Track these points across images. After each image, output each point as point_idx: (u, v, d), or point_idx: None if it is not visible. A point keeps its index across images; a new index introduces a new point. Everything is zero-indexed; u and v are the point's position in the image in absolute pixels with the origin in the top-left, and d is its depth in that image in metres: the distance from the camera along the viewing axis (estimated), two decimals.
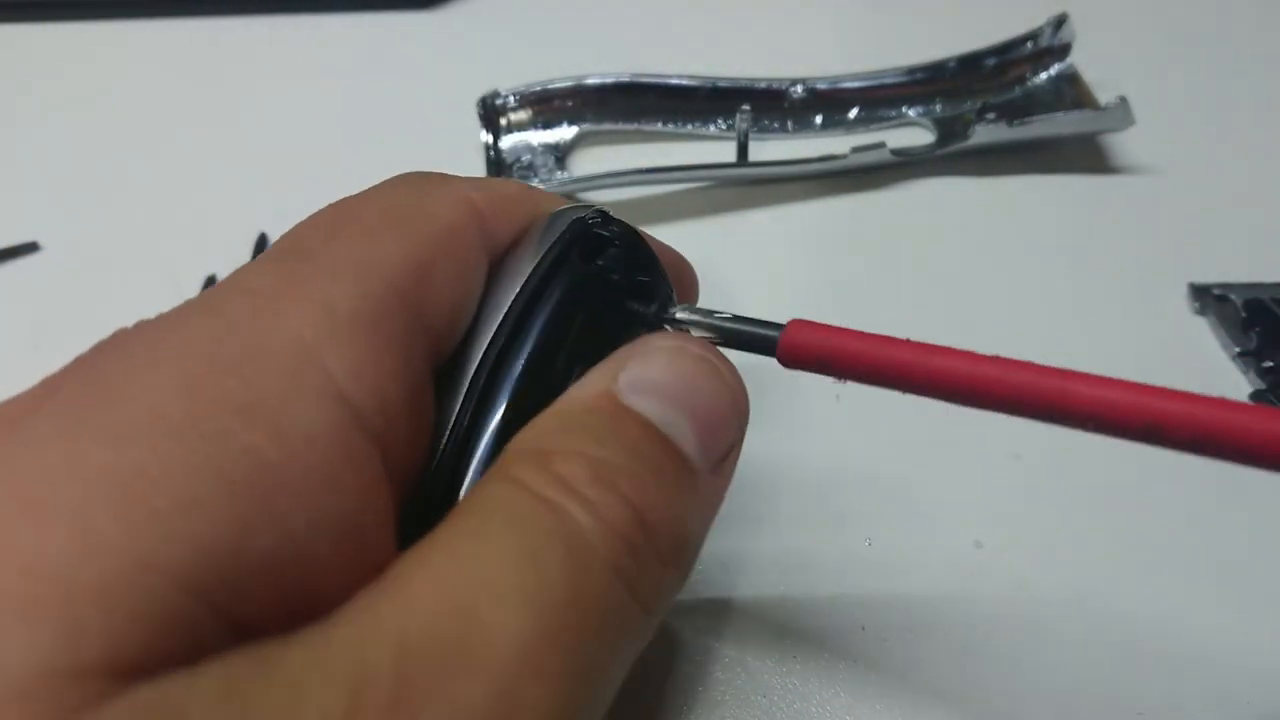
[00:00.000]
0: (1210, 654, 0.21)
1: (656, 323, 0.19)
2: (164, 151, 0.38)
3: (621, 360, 0.16)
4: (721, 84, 0.37)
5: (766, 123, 0.37)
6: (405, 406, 0.14)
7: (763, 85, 0.37)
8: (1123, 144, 0.35)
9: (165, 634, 0.11)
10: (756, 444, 0.25)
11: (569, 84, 0.37)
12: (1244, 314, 0.28)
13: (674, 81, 0.37)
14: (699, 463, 0.16)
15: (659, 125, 0.37)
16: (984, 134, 0.34)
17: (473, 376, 0.16)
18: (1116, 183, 0.34)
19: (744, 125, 0.33)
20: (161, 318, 0.14)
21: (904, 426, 0.25)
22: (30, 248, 0.34)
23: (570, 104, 0.37)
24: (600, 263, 0.18)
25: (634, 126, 0.37)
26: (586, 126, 0.37)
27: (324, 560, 0.13)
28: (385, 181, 0.18)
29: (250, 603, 0.12)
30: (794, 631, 0.21)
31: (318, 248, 0.15)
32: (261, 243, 0.33)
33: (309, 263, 0.15)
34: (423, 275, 0.15)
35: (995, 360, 0.16)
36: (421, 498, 0.16)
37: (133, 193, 0.36)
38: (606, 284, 0.18)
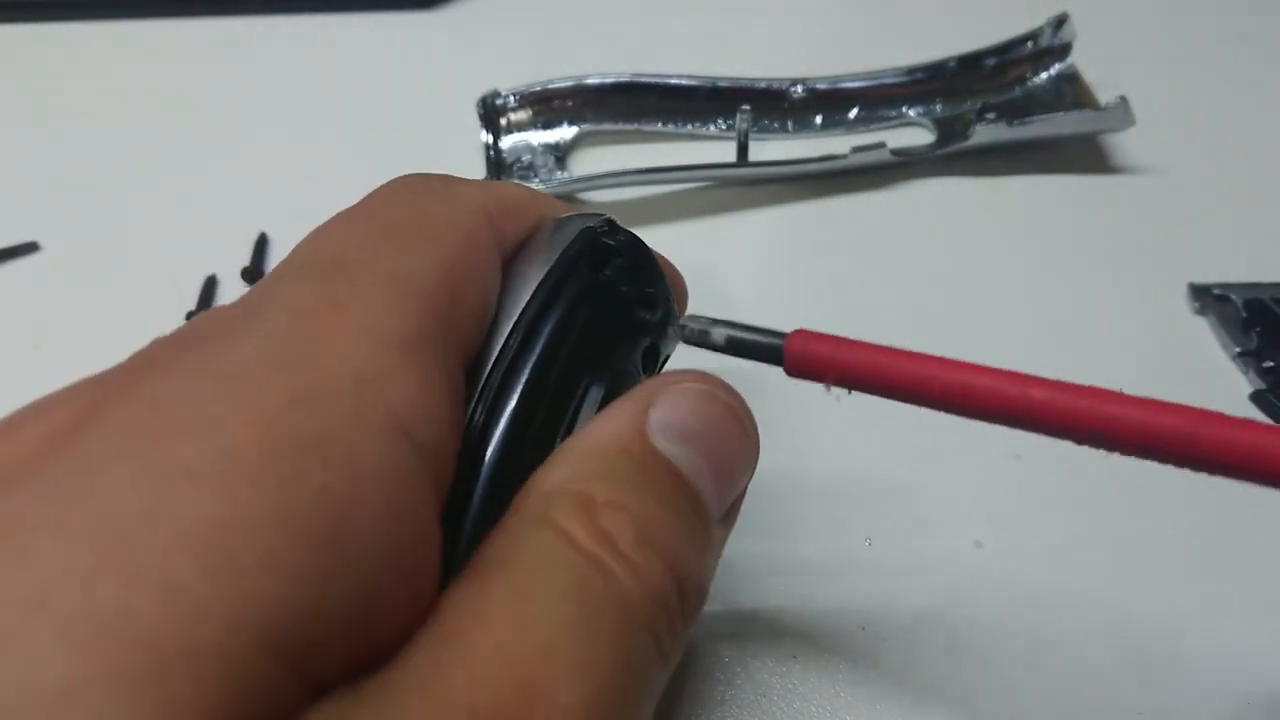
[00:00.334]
0: (1210, 654, 0.21)
1: (660, 329, 0.19)
2: (164, 151, 0.38)
3: (650, 395, 0.16)
4: (721, 84, 0.37)
5: (766, 123, 0.37)
6: (452, 429, 0.14)
7: (763, 85, 0.37)
8: (1123, 144, 0.35)
9: (250, 701, 0.10)
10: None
11: (569, 84, 0.37)
12: (1244, 314, 0.28)
13: (674, 81, 0.37)
14: (715, 512, 0.16)
15: (659, 125, 0.37)
16: (984, 134, 0.34)
17: (483, 386, 0.16)
18: (1116, 183, 0.34)
19: (744, 125, 0.33)
20: (203, 331, 0.14)
21: (904, 427, 0.25)
22: (30, 248, 0.34)
23: (570, 104, 0.37)
24: (608, 272, 0.18)
25: (634, 126, 0.37)
26: (586, 126, 0.37)
27: (389, 603, 0.12)
28: (397, 185, 0.18)
29: (325, 658, 0.11)
30: (794, 631, 0.21)
31: (354, 262, 0.15)
32: (261, 243, 0.33)
33: (348, 278, 0.14)
34: (454, 288, 0.15)
35: (1008, 375, 0.16)
36: None
37: (133, 193, 0.36)
38: (613, 293, 0.18)
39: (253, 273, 0.32)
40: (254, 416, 0.12)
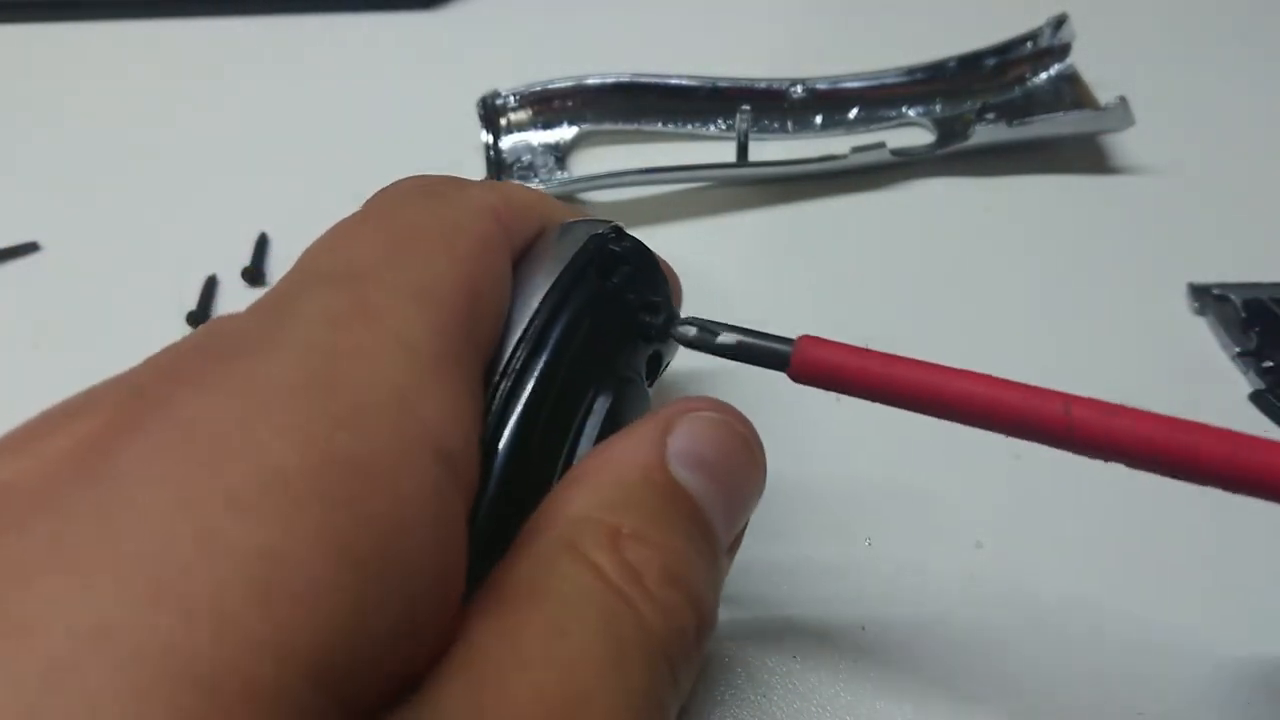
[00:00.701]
0: (1210, 654, 0.21)
1: (663, 336, 0.19)
2: (164, 151, 0.38)
3: (668, 421, 0.16)
4: (721, 84, 0.37)
5: (766, 123, 0.37)
6: (478, 444, 0.14)
7: (763, 85, 0.37)
8: (1123, 144, 0.35)
9: None
10: None
11: (569, 84, 0.37)
12: (1244, 314, 0.28)
13: (674, 81, 0.37)
14: (724, 543, 0.16)
15: (659, 125, 0.37)
16: (984, 134, 0.34)
17: (491, 395, 0.16)
18: (1116, 183, 0.34)
19: (744, 125, 0.33)
20: (230, 341, 0.13)
21: (905, 428, 0.25)
22: (30, 248, 0.34)
23: (570, 104, 0.37)
24: (615, 280, 0.18)
25: (634, 126, 0.37)
26: (586, 126, 0.37)
27: (426, 627, 0.12)
28: (405, 187, 0.17)
29: (365, 686, 0.11)
30: (794, 631, 0.21)
31: (377, 270, 0.14)
32: (261, 243, 0.33)
33: (374, 288, 0.14)
34: (475, 298, 0.15)
35: (1016, 387, 0.16)
36: None
37: (133, 193, 0.36)
38: (620, 301, 0.18)
39: (253, 273, 0.32)
40: (299, 439, 0.11)
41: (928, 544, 0.23)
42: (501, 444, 0.15)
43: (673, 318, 0.20)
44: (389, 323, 0.14)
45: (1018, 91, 0.37)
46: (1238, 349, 0.28)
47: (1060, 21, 0.37)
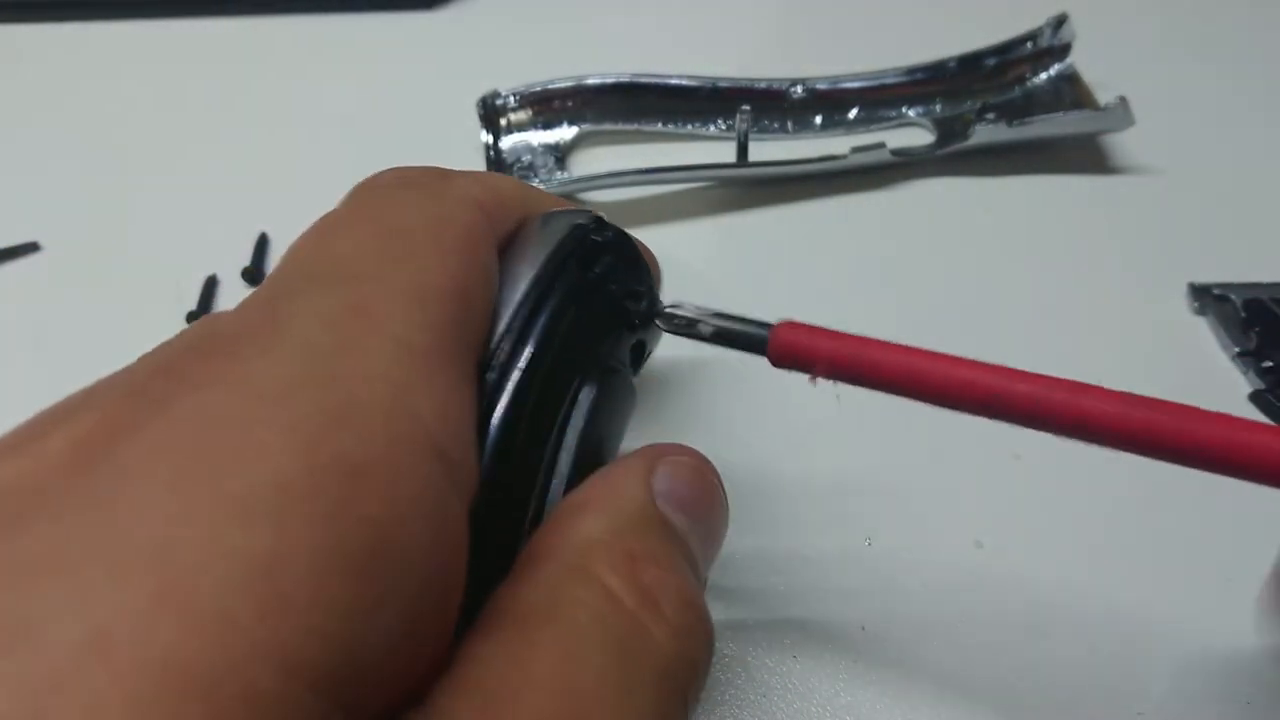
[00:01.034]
0: (1211, 654, 0.21)
1: (646, 324, 0.19)
2: (164, 151, 0.38)
3: (651, 462, 0.16)
4: (721, 84, 0.37)
5: (766, 123, 0.37)
6: (474, 443, 0.14)
7: (763, 85, 0.37)
8: (1123, 144, 0.35)
9: None
10: (756, 443, 0.26)
11: (569, 84, 0.37)
12: (1244, 314, 0.28)
13: (674, 81, 0.37)
14: (704, 579, 0.17)
15: (659, 125, 0.37)
16: (984, 134, 0.34)
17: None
18: (1116, 183, 0.34)
19: (744, 125, 0.33)
20: (224, 340, 0.13)
21: (904, 426, 0.25)
22: (30, 248, 0.34)
23: (570, 104, 0.37)
24: (597, 270, 0.18)
25: (634, 126, 0.37)
26: (586, 126, 0.37)
27: (425, 633, 0.12)
28: (389, 180, 0.17)
29: (366, 694, 0.11)
30: (794, 631, 0.21)
31: (369, 268, 0.14)
32: (261, 243, 0.33)
33: (367, 287, 0.14)
34: (467, 295, 0.15)
35: (986, 367, 0.16)
36: None
37: (133, 193, 0.36)
38: (603, 292, 0.18)
39: (253, 273, 0.32)
40: (298, 441, 0.11)
41: (928, 544, 0.23)
42: (488, 438, 0.15)
43: (654, 304, 0.20)
44: (384, 322, 0.13)
45: (1018, 91, 0.37)
46: (1238, 349, 0.28)
47: (1060, 21, 0.37)
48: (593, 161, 0.37)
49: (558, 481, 0.16)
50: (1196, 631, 0.21)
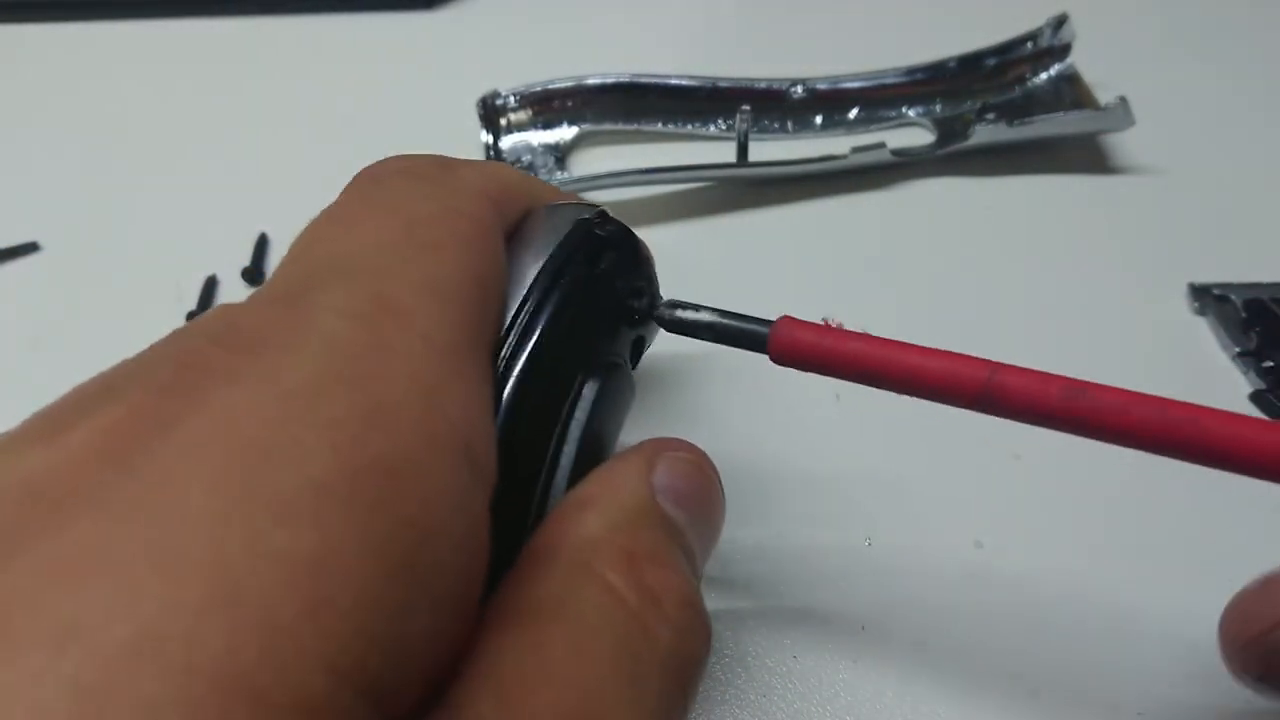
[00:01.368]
0: (1211, 654, 0.21)
1: (646, 319, 0.19)
2: (164, 151, 0.38)
3: (650, 458, 0.16)
4: (721, 84, 0.37)
5: (766, 123, 0.37)
6: (494, 437, 0.14)
7: (763, 85, 0.37)
8: (1123, 144, 0.35)
9: None
10: (756, 443, 0.26)
11: (569, 84, 0.37)
12: (1244, 314, 0.28)
13: (674, 81, 0.37)
14: (700, 574, 0.17)
15: (659, 125, 0.37)
16: (984, 134, 0.34)
17: None
18: (1116, 183, 0.34)
19: (744, 125, 0.33)
20: (250, 334, 0.13)
21: (904, 426, 0.25)
22: (30, 248, 0.34)
23: (570, 104, 0.37)
24: (602, 265, 0.18)
25: (634, 126, 0.37)
26: (586, 126, 0.37)
27: (452, 627, 0.12)
28: (397, 170, 0.17)
29: (400, 691, 0.11)
30: (794, 631, 0.21)
31: (389, 262, 0.14)
32: (261, 243, 0.33)
33: (390, 282, 0.14)
34: (484, 290, 0.15)
35: (984, 363, 0.16)
36: None
37: (133, 193, 0.36)
38: (607, 287, 0.18)
39: (253, 273, 0.32)
40: (335, 440, 0.11)
41: (928, 544, 0.23)
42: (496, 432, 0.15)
43: (655, 300, 0.20)
44: (409, 318, 0.13)
45: (1018, 91, 0.37)
46: (1238, 349, 0.28)
47: (1060, 21, 0.37)
48: (593, 161, 0.37)
49: (560, 475, 0.16)
50: (1197, 631, 0.21)
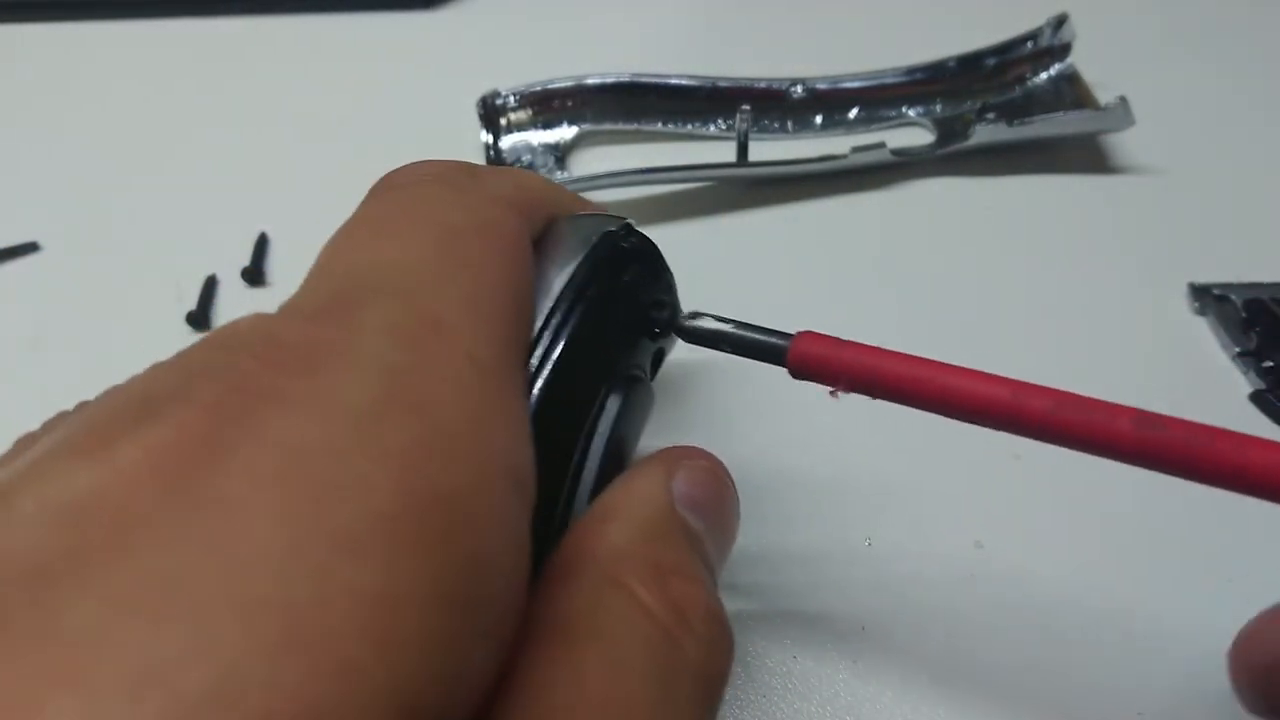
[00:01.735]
0: (1211, 654, 0.21)
1: (668, 329, 0.19)
2: (164, 151, 0.38)
3: (669, 466, 0.16)
4: (721, 84, 0.37)
5: (766, 123, 0.37)
6: (534, 459, 0.14)
7: (763, 85, 0.37)
8: (1123, 144, 0.35)
9: None
10: (756, 443, 0.26)
11: (569, 84, 0.37)
12: (1244, 314, 0.28)
13: (674, 81, 0.37)
14: (718, 581, 0.17)
15: (659, 125, 0.37)
16: (984, 134, 0.34)
17: None
18: (1116, 183, 0.34)
19: (744, 125, 0.33)
20: (293, 351, 0.12)
21: (904, 426, 0.25)
22: (30, 248, 0.34)
23: (570, 104, 0.37)
24: (627, 279, 0.18)
25: (634, 126, 0.37)
26: (586, 126, 0.37)
27: (502, 654, 0.12)
28: (424, 176, 0.17)
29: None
30: (794, 632, 0.21)
31: (430, 277, 0.14)
32: (261, 243, 0.33)
33: (433, 300, 0.14)
34: (520, 301, 0.15)
35: (1009, 383, 0.16)
36: None
37: (133, 193, 0.36)
38: (631, 301, 0.18)
39: (253, 273, 0.32)
40: (395, 470, 0.11)
41: (928, 544, 0.23)
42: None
43: (675, 312, 0.20)
44: (455, 337, 0.13)
45: (1018, 91, 0.37)
46: (1238, 349, 0.28)
47: (1060, 21, 0.37)
48: (593, 161, 0.37)
49: (584, 488, 0.16)
50: (1197, 631, 0.21)
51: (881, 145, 0.33)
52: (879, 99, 0.38)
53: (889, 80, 0.38)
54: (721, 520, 0.17)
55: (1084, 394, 0.16)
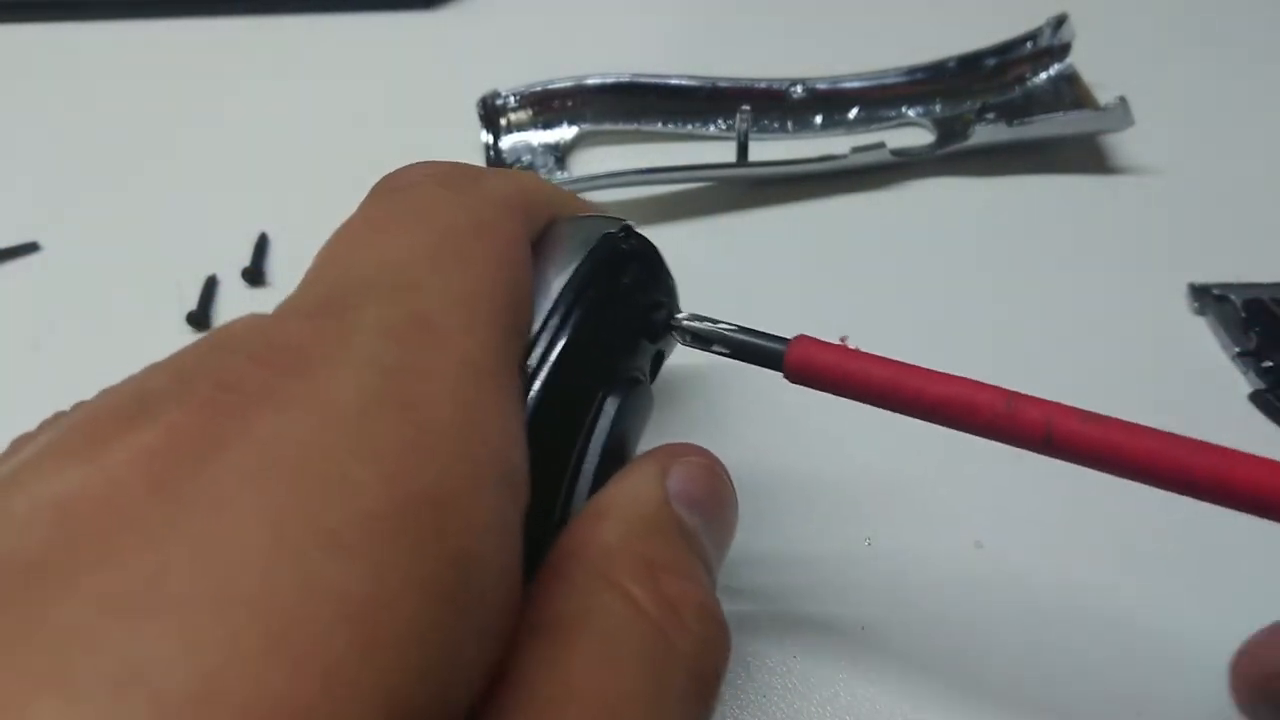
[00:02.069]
0: (1211, 654, 0.21)
1: (665, 329, 0.19)
2: (164, 151, 0.38)
3: (664, 464, 0.16)
4: (721, 84, 0.37)
5: (766, 123, 0.37)
6: (527, 459, 0.14)
7: (763, 85, 0.37)
8: (1123, 144, 0.35)
9: None
10: (757, 444, 0.26)
11: (569, 84, 0.37)
12: (1244, 314, 0.28)
13: (674, 81, 0.37)
14: (715, 578, 0.17)
15: (659, 125, 0.37)
16: (984, 134, 0.34)
17: None
18: (1116, 183, 0.34)
19: (744, 125, 0.33)
20: (284, 351, 0.12)
21: (904, 426, 0.25)
22: (30, 248, 0.34)
23: (570, 104, 0.37)
24: (626, 281, 0.18)
25: (634, 126, 0.37)
26: (586, 126, 0.37)
27: (493, 654, 0.12)
28: (424, 177, 0.17)
29: None
30: (794, 632, 0.21)
31: (429, 280, 0.14)
32: (261, 243, 0.33)
33: (428, 300, 0.14)
34: (516, 303, 0.15)
35: (1013, 396, 0.16)
36: None
37: (133, 193, 0.36)
38: (630, 303, 0.18)
39: (253, 273, 0.32)
40: (384, 471, 0.11)
41: (928, 544, 0.23)
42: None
43: (673, 314, 0.20)
44: (449, 339, 0.13)
45: (1018, 91, 0.37)
46: (1238, 349, 0.28)
47: (1060, 21, 0.37)
48: (593, 161, 0.37)
49: (581, 490, 0.16)
50: (1197, 631, 0.21)
51: (881, 145, 0.33)
52: (879, 99, 0.38)
53: (889, 80, 0.38)
54: (718, 517, 0.17)
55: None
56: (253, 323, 0.13)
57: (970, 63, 0.38)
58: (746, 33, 0.44)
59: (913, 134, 0.37)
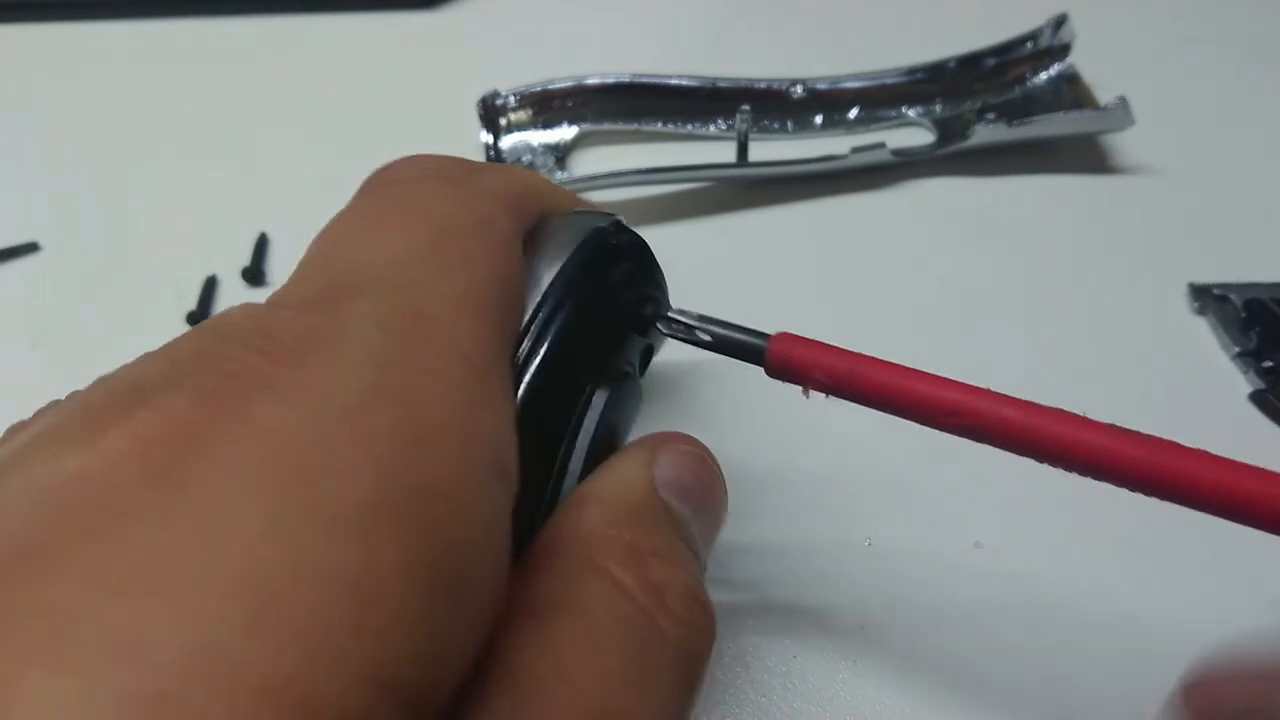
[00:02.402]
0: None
1: (652, 323, 0.19)
2: (164, 151, 0.38)
3: (652, 451, 0.17)
4: (721, 84, 0.37)
5: (766, 123, 0.37)
6: (518, 450, 0.14)
7: (763, 85, 0.37)
8: (1123, 144, 0.35)
9: None
10: (755, 443, 0.26)
11: (569, 84, 0.37)
12: (1244, 314, 0.28)
13: (674, 81, 0.37)
14: (704, 566, 0.17)
15: (659, 125, 0.37)
16: (984, 134, 0.34)
17: None
18: (1116, 183, 0.34)
19: (744, 125, 0.33)
20: (280, 342, 0.12)
21: (904, 426, 0.25)
22: (30, 248, 0.34)
23: (570, 104, 0.37)
24: (615, 276, 0.18)
25: (634, 126, 0.37)
26: (586, 126, 0.37)
27: (482, 639, 0.12)
28: (419, 171, 0.17)
29: (437, 704, 0.11)
30: (794, 632, 0.22)
31: (426, 274, 0.14)
32: (261, 243, 0.33)
33: (423, 293, 0.14)
34: (509, 298, 0.15)
35: (980, 393, 0.16)
36: None
37: (133, 192, 0.36)
38: (619, 298, 0.18)
39: (253, 273, 0.32)
40: (378, 459, 0.11)
41: (927, 544, 0.23)
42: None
43: (660, 308, 0.20)
44: (445, 332, 0.13)
45: (1018, 91, 0.37)
46: (1238, 349, 0.28)
47: (1060, 21, 0.37)
48: (593, 161, 0.37)
49: (569, 482, 0.17)
50: (1197, 631, 0.21)
51: (881, 145, 0.33)
52: (879, 99, 0.38)
53: (889, 80, 0.38)
54: (707, 504, 0.17)
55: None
56: (248, 312, 0.13)
57: (970, 63, 0.38)
58: (746, 33, 0.44)
59: (913, 134, 0.37)
